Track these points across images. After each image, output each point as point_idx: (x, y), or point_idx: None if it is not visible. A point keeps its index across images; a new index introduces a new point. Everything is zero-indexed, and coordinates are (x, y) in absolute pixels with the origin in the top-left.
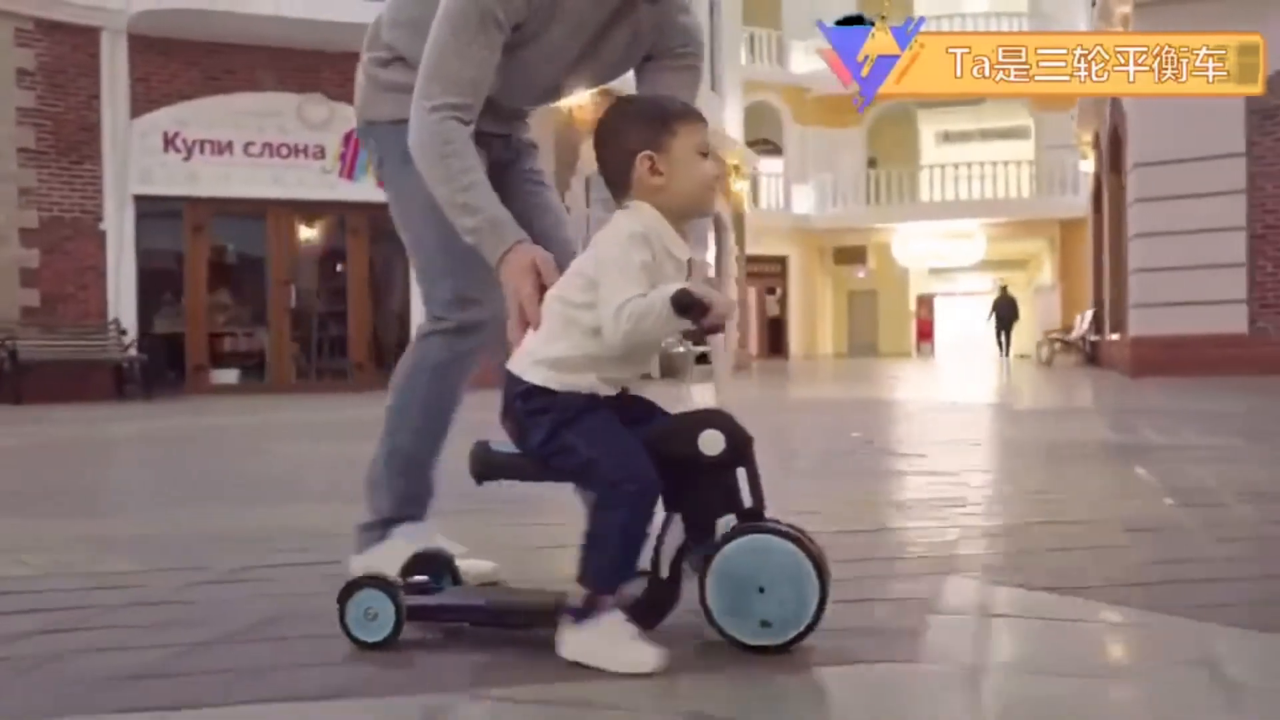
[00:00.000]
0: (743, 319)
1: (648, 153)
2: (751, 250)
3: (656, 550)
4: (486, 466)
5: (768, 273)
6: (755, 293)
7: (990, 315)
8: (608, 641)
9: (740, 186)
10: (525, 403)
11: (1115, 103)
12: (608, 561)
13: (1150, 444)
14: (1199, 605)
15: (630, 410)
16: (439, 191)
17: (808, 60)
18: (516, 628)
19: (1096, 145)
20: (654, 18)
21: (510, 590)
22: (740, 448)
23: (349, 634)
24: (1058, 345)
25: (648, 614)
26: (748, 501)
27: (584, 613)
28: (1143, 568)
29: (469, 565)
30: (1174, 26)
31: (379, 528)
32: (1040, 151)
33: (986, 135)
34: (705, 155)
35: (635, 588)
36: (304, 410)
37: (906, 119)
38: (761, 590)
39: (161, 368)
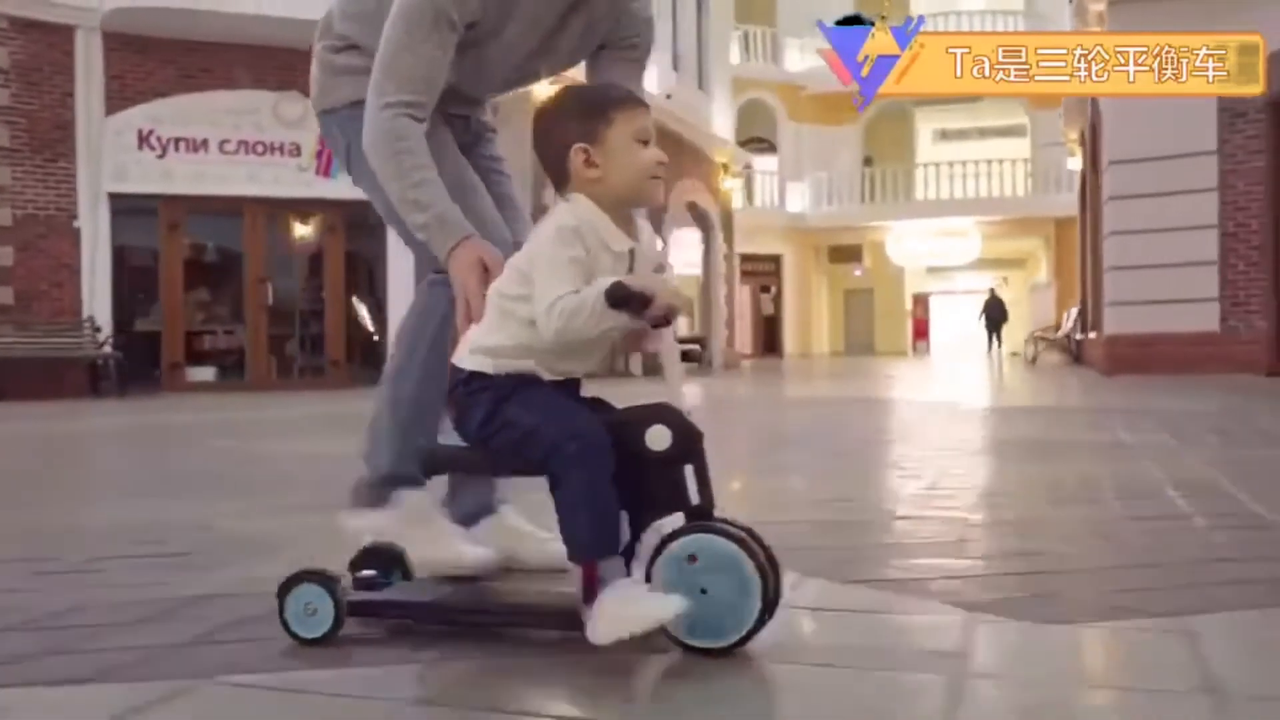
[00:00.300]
0: (732, 318)
1: (581, 145)
2: (745, 249)
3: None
4: (431, 462)
5: (762, 271)
6: (750, 291)
7: (980, 316)
8: (630, 602)
9: (730, 185)
10: (465, 388)
11: (1095, 100)
12: (587, 526)
13: (1068, 442)
14: (1007, 598)
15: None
16: (390, 187)
17: (803, 58)
18: (464, 625)
19: (1082, 143)
20: (608, 8)
21: (469, 588)
22: (688, 444)
23: (287, 629)
24: (1042, 344)
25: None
26: (696, 500)
27: (590, 591)
28: (985, 562)
29: (473, 553)
30: (1148, 24)
31: (378, 487)
32: (1036, 149)
33: (984, 133)
34: (646, 143)
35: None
36: (273, 407)
37: (903, 117)
38: (704, 592)
39: (140, 365)
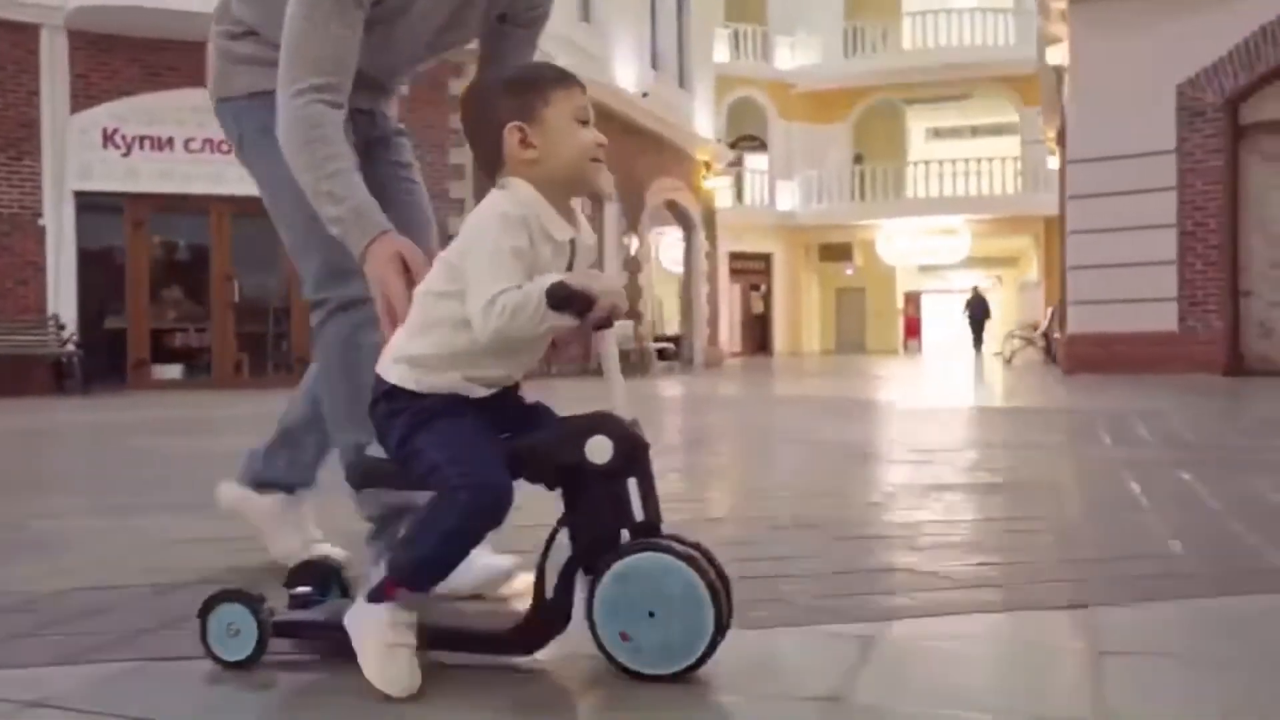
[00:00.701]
0: (715, 316)
1: (517, 123)
2: (735, 247)
3: (541, 568)
4: (360, 474)
5: (752, 270)
6: (740, 290)
7: (964, 314)
8: (377, 641)
9: (713, 184)
10: (387, 403)
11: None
12: (416, 558)
13: (968, 442)
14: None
15: (511, 414)
16: (303, 179)
17: (793, 56)
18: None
19: (1060, 141)
20: None
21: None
22: (632, 455)
23: (210, 652)
24: (1019, 343)
25: (533, 636)
26: (641, 515)
27: (376, 595)
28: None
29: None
30: (1107, 22)
31: (265, 488)
32: (1025, 147)
33: (976, 131)
34: (585, 123)
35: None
36: (230, 405)
37: (894, 115)
38: (652, 615)
39: (108, 363)
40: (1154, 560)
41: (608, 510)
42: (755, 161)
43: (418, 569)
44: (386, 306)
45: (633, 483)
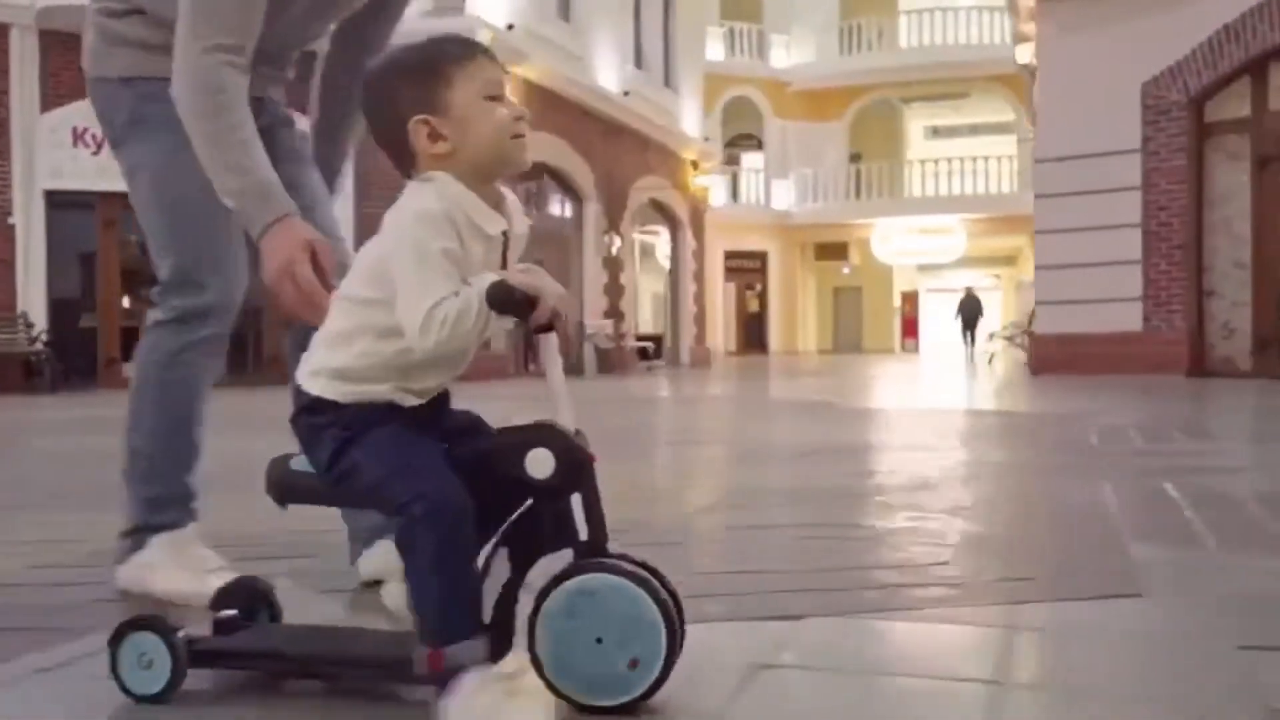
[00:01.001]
0: (703, 315)
1: (421, 116)
2: (730, 246)
3: (478, 590)
4: (285, 490)
5: (747, 269)
6: (735, 289)
7: (956, 315)
8: (488, 710)
9: (701, 182)
10: (309, 417)
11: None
12: (438, 607)
13: (863, 444)
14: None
15: (443, 424)
16: (203, 148)
17: (789, 54)
18: (323, 678)
19: None
20: None
21: (333, 632)
22: (576, 470)
23: (122, 686)
24: (1002, 344)
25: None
26: (586, 534)
27: (441, 678)
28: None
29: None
30: (1074, 21)
31: (134, 535)
32: (1021, 145)
33: (975, 130)
34: (498, 98)
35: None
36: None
37: (892, 113)
38: (599, 641)
39: (82, 361)
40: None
41: (550, 529)
42: (751, 160)
43: (445, 619)
44: (301, 297)
45: (577, 499)
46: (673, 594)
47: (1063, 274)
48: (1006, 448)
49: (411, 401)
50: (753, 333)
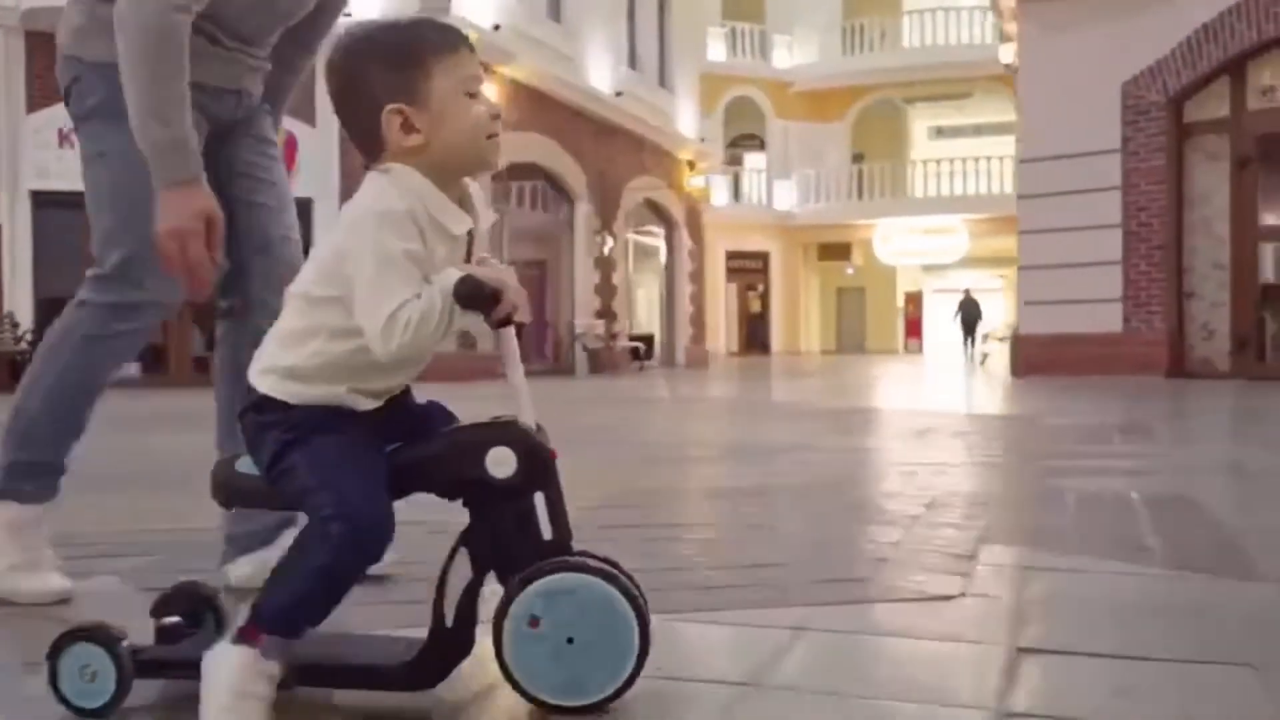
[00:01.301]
0: (700, 315)
1: (397, 105)
2: (732, 246)
3: (439, 594)
4: (229, 492)
5: (749, 269)
6: (736, 289)
7: (956, 316)
8: (226, 686)
9: (697, 182)
10: (256, 415)
11: None
12: (285, 600)
13: (791, 444)
14: None
15: (401, 420)
16: (134, 88)
17: (791, 55)
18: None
19: None
20: None
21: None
22: (538, 469)
23: (62, 700)
24: (994, 344)
25: (431, 668)
26: (550, 534)
27: (239, 637)
28: None
29: (59, 584)
30: (1055, 20)
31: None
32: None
33: (979, 130)
34: (474, 95)
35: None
36: (164, 402)
37: (895, 114)
38: (570, 641)
39: None
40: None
41: (513, 529)
42: (753, 160)
43: (287, 612)
44: (184, 264)
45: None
46: (640, 592)
47: (1045, 275)
48: (932, 450)
49: (365, 405)
50: (755, 333)
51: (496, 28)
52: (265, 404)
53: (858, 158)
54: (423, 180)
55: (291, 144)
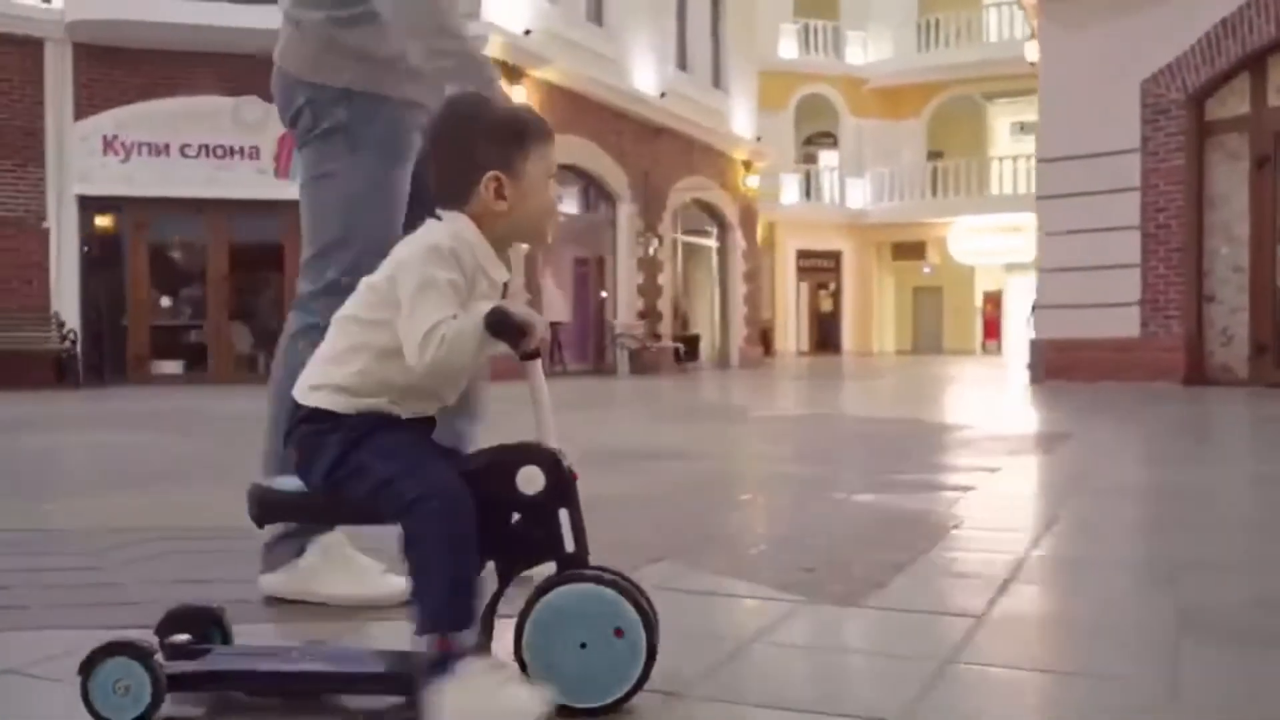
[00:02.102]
0: (753, 315)
1: (496, 173)
2: (803, 245)
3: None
4: (265, 508)
5: (821, 268)
6: (807, 288)
7: (1028, 318)
8: (483, 695)
9: (752, 182)
10: (310, 424)
11: None
12: (443, 597)
13: (650, 450)
14: None
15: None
16: None
17: (865, 52)
18: (304, 695)
19: None
20: None
21: (304, 649)
22: (562, 487)
23: (95, 713)
24: None
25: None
26: (571, 547)
27: (440, 666)
28: None
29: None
30: (1075, 17)
31: (285, 541)
32: None
33: None
34: (550, 178)
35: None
36: (202, 399)
37: (974, 111)
38: (584, 646)
39: (112, 359)
40: None
41: (538, 541)
42: (826, 158)
43: (451, 609)
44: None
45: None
46: (650, 603)
47: (1062, 277)
48: (850, 458)
49: (406, 414)
50: (826, 333)
51: (527, 33)
52: (318, 415)
53: (934, 155)
54: (476, 233)
55: (288, 143)
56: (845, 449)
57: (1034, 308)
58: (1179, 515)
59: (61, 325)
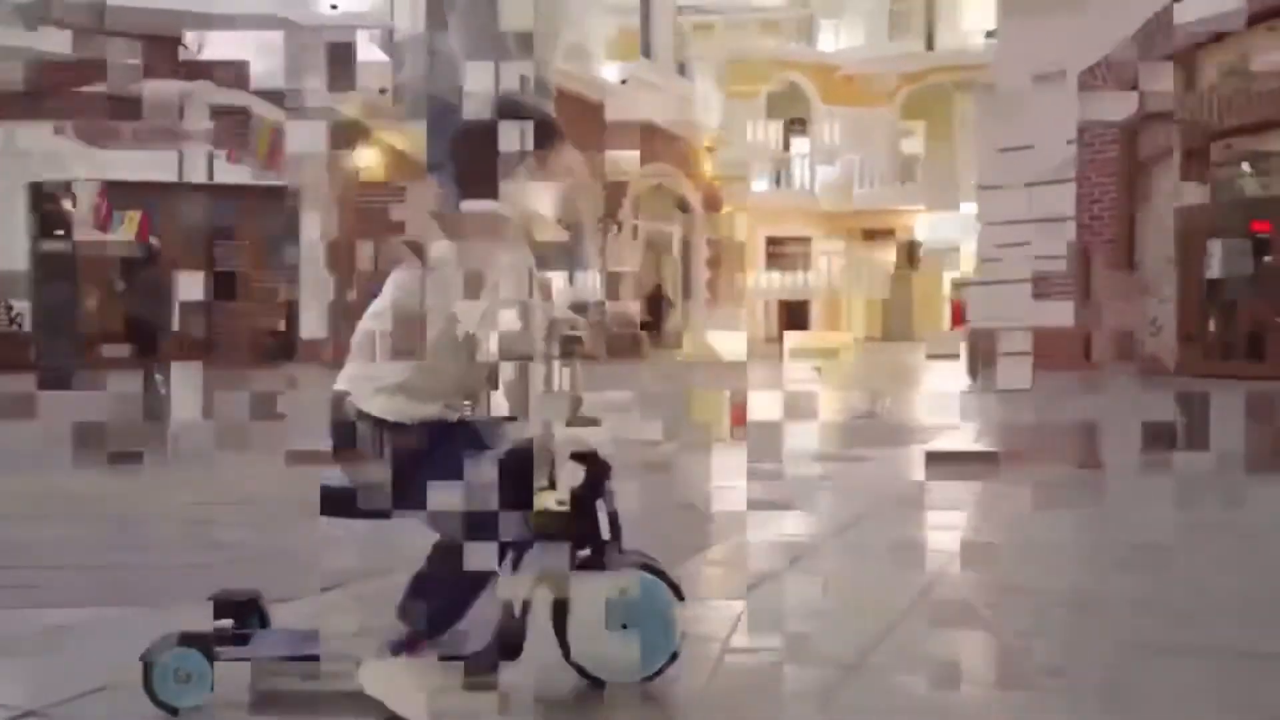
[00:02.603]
0: (714, 301)
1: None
2: (772, 232)
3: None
4: (332, 502)
5: (790, 254)
6: (777, 276)
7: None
8: (402, 682)
9: (717, 170)
10: (373, 429)
11: None
12: (439, 608)
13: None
14: None
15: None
16: None
17: (836, 38)
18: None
19: None
20: None
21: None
22: (599, 479)
23: (156, 700)
24: None
25: (501, 650)
26: (607, 534)
27: (398, 647)
28: None
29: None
30: (1023, 5)
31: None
32: None
33: None
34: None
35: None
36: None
37: (946, 99)
38: (624, 626)
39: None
40: None
41: (577, 529)
42: (797, 145)
43: (437, 617)
44: None
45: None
46: (679, 591)
47: (1000, 267)
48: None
49: (454, 416)
50: (795, 320)
51: None
52: (383, 425)
53: (905, 141)
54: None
55: (279, 135)
56: None
57: (956, 285)
58: None
59: (9, 309)
